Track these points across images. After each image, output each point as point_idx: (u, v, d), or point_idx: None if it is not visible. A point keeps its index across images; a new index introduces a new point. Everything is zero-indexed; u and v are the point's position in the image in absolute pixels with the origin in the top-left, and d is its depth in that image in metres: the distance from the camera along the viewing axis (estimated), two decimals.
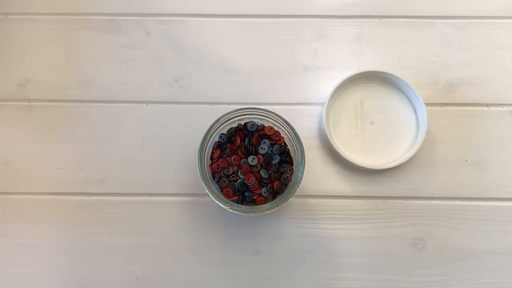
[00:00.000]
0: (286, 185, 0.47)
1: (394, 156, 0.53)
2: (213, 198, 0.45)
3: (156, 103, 0.56)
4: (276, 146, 0.48)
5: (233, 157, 0.48)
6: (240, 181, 0.47)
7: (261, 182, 0.47)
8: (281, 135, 0.48)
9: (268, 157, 0.47)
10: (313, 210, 0.52)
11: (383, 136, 0.54)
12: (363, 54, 0.58)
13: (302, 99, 0.56)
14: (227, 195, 0.47)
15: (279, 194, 0.46)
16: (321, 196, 0.53)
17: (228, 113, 0.47)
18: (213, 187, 0.46)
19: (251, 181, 0.46)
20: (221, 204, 0.45)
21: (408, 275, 0.50)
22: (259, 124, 0.49)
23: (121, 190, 0.53)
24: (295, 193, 0.45)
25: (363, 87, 0.55)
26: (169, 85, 0.56)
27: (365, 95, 0.55)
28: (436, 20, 0.59)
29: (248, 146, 0.48)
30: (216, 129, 0.47)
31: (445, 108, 0.55)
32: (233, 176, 0.47)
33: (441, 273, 0.50)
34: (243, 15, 0.59)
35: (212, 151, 0.48)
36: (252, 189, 0.47)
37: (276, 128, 0.48)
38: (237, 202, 0.46)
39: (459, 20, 0.59)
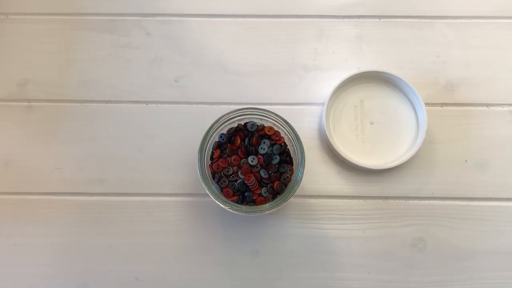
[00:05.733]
0: (286, 185, 0.47)
1: (394, 156, 0.53)
2: (213, 198, 0.45)
3: (156, 103, 0.56)
4: (276, 146, 0.48)
5: (233, 157, 0.48)
6: (240, 181, 0.47)
7: (261, 182, 0.47)
8: (281, 135, 0.48)
9: (268, 157, 0.47)
10: (313, 210, 0.52)
11: (383, 136, 0.54)
12: (363, 54, 0.58)
13: (302, 99, 0.56)
14: (227, 195, 0.46)
15: (279, 194, 0.46)
16: (321, 196, 0.53)
17: (228, 113, 0.47)
18: (213, 187, 0.46)
19: (251, 181, 0.46)
20: (221, 204, 0.45)
21: (408, 275, 0.50)
22: (259, 124, 0.49)
23: (121, 190, 0.53)
24: (295, 193, 0.45)
25: (363, 87, 0.55)
26: (169, 85, 0.56)
27: (365, 95, 0.55)
28: (436, 20, 0.59)
29: (248, 146, 0.48)
30: (216, 129, 0.47)
31: (445, 108, 0.55)
32: (233, 176, 0.47)
33: (441, 273, 0.50)
34: (243, 15, 0.59)
35: (212, 151, 0.48)
36: (252, 189, 0.47)
37: (276, 128, 0.48)
38: (237, 202, 0.46)
39: (459, 20, 0.59)
